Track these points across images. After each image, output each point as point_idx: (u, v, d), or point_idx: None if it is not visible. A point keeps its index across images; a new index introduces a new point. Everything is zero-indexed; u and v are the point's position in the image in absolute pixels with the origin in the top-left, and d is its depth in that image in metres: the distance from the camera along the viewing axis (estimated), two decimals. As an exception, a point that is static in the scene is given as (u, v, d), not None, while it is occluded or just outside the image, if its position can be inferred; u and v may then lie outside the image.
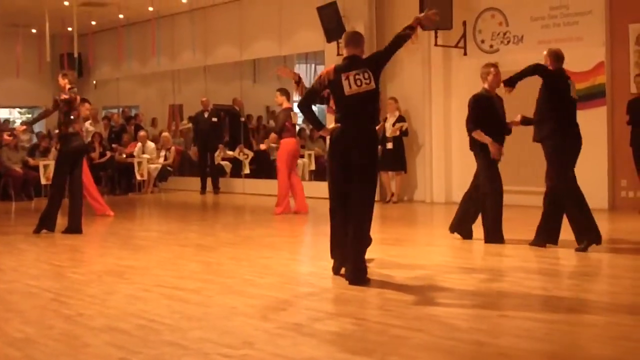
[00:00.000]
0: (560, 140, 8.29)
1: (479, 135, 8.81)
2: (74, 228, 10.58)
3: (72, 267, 8.03)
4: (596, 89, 12.32)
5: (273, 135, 12.81)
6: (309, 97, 7.14)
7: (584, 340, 4.91)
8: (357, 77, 6.76)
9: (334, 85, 6.83)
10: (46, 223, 10.68)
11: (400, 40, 6.88)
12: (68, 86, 10.66)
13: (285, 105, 12.63)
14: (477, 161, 9.02)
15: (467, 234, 9.23)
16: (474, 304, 5.90)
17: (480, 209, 8.99)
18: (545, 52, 8.63)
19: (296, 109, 11.87)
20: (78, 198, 10.79)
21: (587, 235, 8.21)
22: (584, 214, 8.25)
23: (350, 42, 6.99)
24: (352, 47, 6.97)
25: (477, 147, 8.93)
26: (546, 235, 8.45)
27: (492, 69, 8.96)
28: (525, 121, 8.82)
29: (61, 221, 10.77)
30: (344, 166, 6.84)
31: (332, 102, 7.29)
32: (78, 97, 10.72)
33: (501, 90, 8.80)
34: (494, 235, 8.86)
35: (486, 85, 8.98)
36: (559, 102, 8.36)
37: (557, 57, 8.49)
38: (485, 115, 8.86)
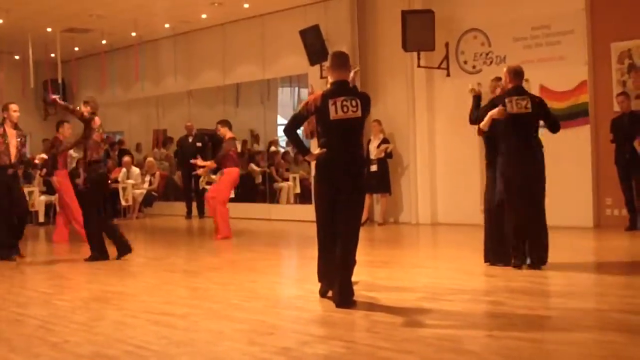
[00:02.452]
0: None
1: (485, 120, 8.54)
2: (124, 248, 10.57)
3: (59, 294, 7.98)
4: (579, 107, 12.41)
5: (211, 163, 13.12)
6: (295, 123, 7.07)
7: None
8: (344, 103, 6.75)
9: (321, 112, 6.82)
10: (119, 248, 10.63)
11: None
12: (90, 112, 10.41)
13: (229, 135, 12.90)
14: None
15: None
16: (462, 325, 5.89)
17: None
18: (504, 69, 8.61)
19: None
20: (109, 225, 10.83)
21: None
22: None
23: (335, 66, 6.96)
24: (338, 71, 6.94)
25: (487, 159, 8.82)
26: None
27: (500, 83, 8.89)
28: None
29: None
30: (330, 190, 6.83)
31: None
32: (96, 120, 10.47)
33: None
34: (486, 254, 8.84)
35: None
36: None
37: (516, 73, 8.49)
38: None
